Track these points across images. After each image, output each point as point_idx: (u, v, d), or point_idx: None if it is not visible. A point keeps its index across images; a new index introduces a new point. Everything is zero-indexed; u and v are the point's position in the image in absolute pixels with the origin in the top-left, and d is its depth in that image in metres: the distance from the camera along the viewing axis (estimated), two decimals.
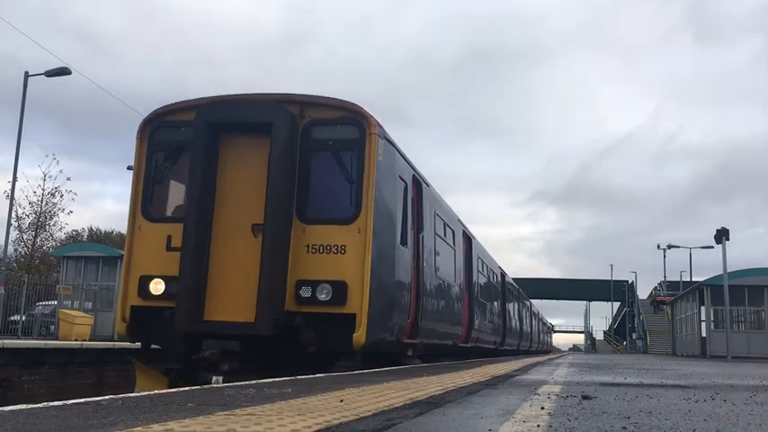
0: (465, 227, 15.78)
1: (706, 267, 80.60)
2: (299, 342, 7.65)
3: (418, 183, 10.52)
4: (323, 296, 7.62)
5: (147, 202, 8.50)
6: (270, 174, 7.73)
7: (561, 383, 6.17)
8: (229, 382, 5.56)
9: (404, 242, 9.26)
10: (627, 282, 70.53)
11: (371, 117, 8.13)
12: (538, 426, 2.89)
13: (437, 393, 4.40)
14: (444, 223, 12.76)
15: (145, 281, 8.11)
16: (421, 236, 10.32)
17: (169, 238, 8.11)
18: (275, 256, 7.58)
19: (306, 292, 7.66)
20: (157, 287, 8.03)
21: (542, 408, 3.67)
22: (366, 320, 7.46)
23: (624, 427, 2.94)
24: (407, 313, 9.35)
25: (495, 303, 20.59)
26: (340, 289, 7.60)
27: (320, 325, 7.65)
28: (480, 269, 17.60)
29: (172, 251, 7.98)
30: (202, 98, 8.53)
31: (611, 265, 69.86)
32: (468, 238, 16.08)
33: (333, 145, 8.06)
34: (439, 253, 11.85)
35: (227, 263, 7.85)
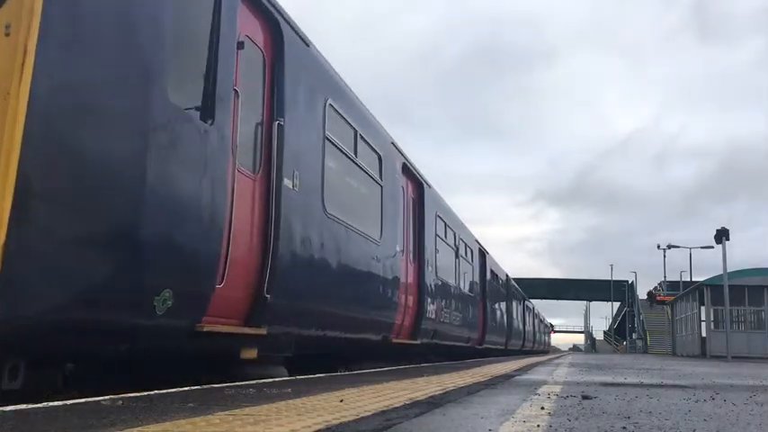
0: (411, 164, 10.65)
1: (706, 267, 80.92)
2: None
3: (271, 18, 5.67)
4: None
5: None
6: None
7: (561, 383, 6.16)
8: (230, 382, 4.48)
9: (207, 115, 4.56)
10: (627, 282, 70.86)
11: None
12: (538, 426, 2.89)
13: (437, 393, 4.40)
14: (356, 133, 7.86)
15: None
16: (277, 124, 5.63)
17: None
18: None
19: None
20: None
21: (542, 408, 3.67)
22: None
23: (624, 427, 2.94)
24: (215, 271, 4.62)
25: (472, 288, 16.41)
26: None
27: None
28: (442, 235, 12.70)
29: None
30: None
31: (612, 265, 70.46)
32: (417, 183, 11.18)
33: None
34: (335, 176, 7.13)
35: None
